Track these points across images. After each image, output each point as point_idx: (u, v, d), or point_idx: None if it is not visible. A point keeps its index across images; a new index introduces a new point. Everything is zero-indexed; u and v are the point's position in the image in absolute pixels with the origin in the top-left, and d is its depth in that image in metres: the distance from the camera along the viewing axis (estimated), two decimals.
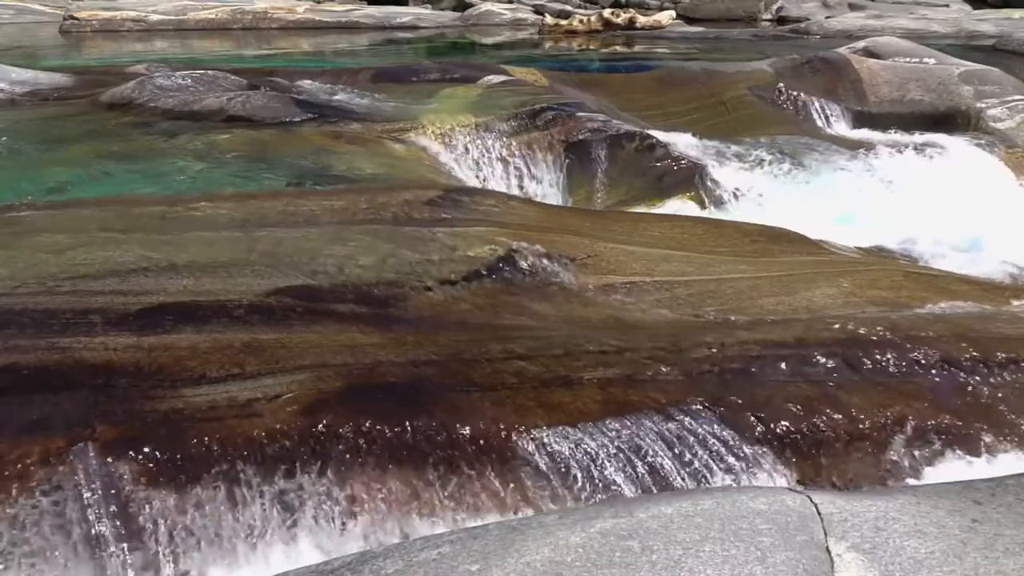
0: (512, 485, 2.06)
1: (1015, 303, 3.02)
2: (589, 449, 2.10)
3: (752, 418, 2.23)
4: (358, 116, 5.31)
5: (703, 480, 2.11)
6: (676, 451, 2.14)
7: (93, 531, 1.86)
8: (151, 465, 1.94)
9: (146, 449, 1.95)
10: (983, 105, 6.48)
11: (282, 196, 3.71)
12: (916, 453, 2.24)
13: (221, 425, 2.03)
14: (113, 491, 1.89)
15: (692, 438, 2.16)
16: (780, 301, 2.95)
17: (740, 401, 2.28)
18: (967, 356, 2.52)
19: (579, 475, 2.07)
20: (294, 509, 1.98)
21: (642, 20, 14.46)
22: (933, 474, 2.21)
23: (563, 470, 2.08)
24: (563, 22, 14.27)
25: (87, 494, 1.88)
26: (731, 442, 2.18)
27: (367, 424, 2.08)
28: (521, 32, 14.63)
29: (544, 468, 2.07)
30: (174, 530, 1.91)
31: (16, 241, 2.99)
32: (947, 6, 16.64)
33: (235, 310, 2.55)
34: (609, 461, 2.09)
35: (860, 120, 6.59)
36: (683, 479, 2.10)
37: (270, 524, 1.96)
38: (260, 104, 5.33)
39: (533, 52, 11.45)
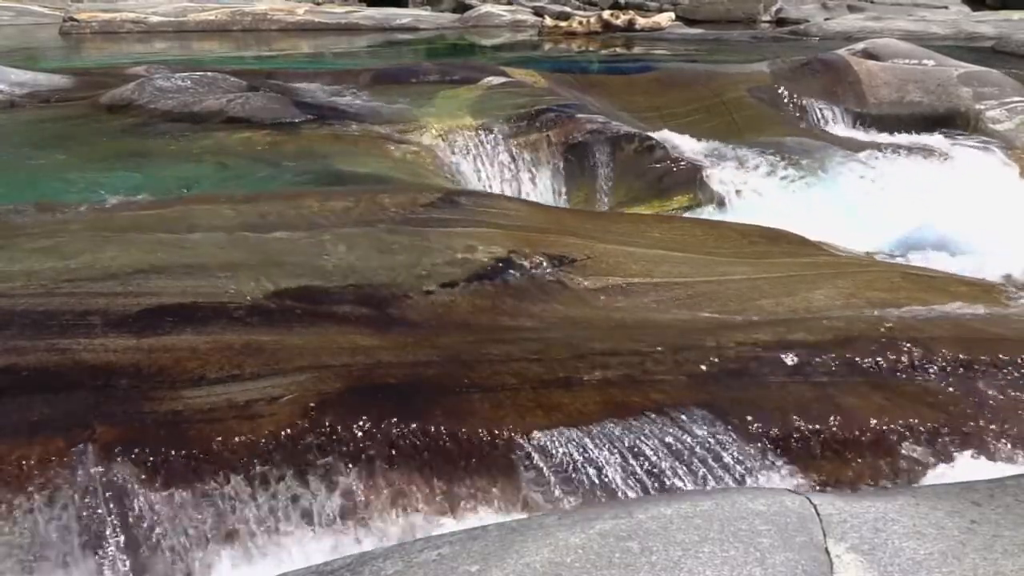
0: (512, 486, 2.06)
1: (1013, 304, 3.03)
2: (588, 450, 2.11)
3: (751, 419, 2.24)
4: (358, 117, 5.31)
5: (702, 481, 2.11)
6: (676, 452, 2.14)
7: (92, 532, 1.86)
8: (151, 466, 1.94)
9: (146, 450, 1.95)
10: (982, 107, 6.49)
11: (281, 198, 3.71)
12: (915, 454, 2.25)
13: (220, 426, 2.03)
14: (113, 492, 1.89)
15: (692, 439, 2.17)
16: (779, 302, 2.96)
17: (740, 402, 2.29)
18: (966, 357, 2.52)
19: (579, 476, 2.07)
20: (294, 510, 1.98)
21: (641, 22, 14.46)
22: (932, 475, 2.21)
23: (562, 471, 2.08)
24: (562, 24, 14.28)
25: (86, 495, 1.88)
26: (730, 443, 2.18)
27: (367, 425, 2.08)
28: (520, 34, 14.64)
29: (544, 469, 2.08)
30: (173, 531, 1.91)
31: (16, 243, 2.99)
32: (946, 8, 16.66)
33: (235, 311, 2.55)
34: (608, 462, 2.10)
35: (859, 122, 6.59)
36: (682, 480, 2.10)
37: (269, 525, 1.96)
38: (260, 105, 5.34)
39: (532, 54, 11.46)
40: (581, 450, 2.10)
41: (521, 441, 2.10)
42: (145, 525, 1.89)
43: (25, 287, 2.61)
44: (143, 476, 1.92)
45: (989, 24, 13.75)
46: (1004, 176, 5.70)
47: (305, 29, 14.59)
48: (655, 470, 2.11)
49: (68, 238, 3.03)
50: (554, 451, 2.10)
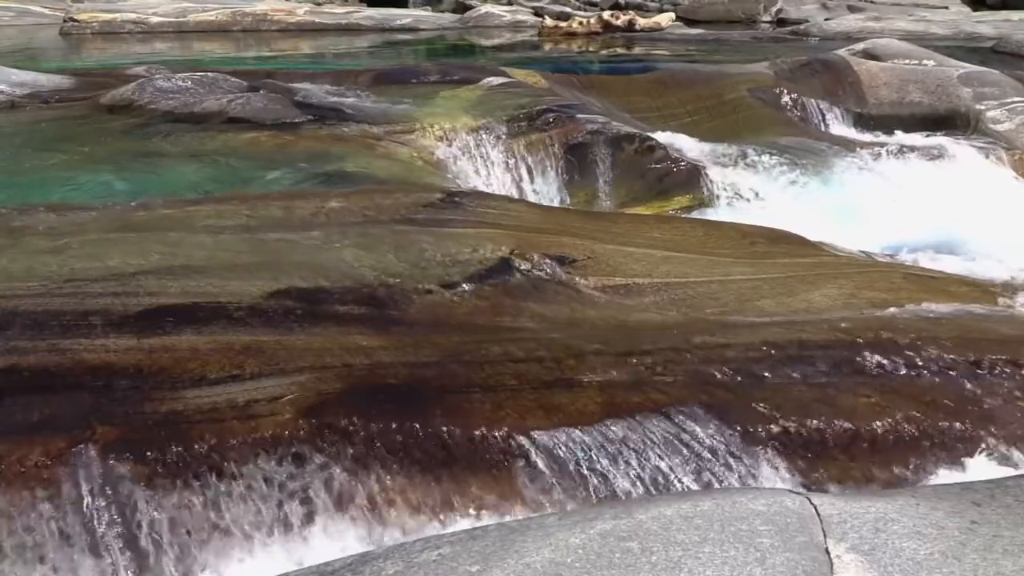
0: (512, 486, 2.06)
1: (1014, 304, 3.03)
2: (589, 450, 2.11)
3: (752, 419, 2.24)
4: (358, 118, 5.31)
5: (703, 481, 2.11)
6: (676, 452, 2.14)
7: (93, 532, 1.86)
8: (151, 466, 1.94)
9: (146, 450, 1.95)
10: (982, 107, 6.49)
11: (282, 198, 3.71)
12: (915, 454, 2.25)
13: (221, 427, 2.03)
14: (113, 492, 1.90)
15: (692, 439, 2.17)
16: (780, 303, 2.96)
17: (740, 403, 2.29)
18: (966, 357, 2.52)
19: (579, 476, 2.08)
20: (294, 510, 1.99)
21: (642, 22, 14.45)
22: (932, 475, 2.21)
23: (563, 471, 2.08)
24: (563, 24, 14.27)
25: (87, 495, 1.88)
26: (731, 443, 2.18)
27: (367, 426, 2.08)
28: (521, 34, 14.64)
29: (544, 469, 2.08)
30: (174, 531, 1.91)
31: (18, 243, 3.00)
32: (946, 8, 16.66)
33: (235, 312, 2.55)
34: (609, 462, 2.10)
35: (859, 122, 6.59)
36: (683, 480, 2.10)
37: (269, 525, 1.96)
38: (260, 106, 5.34)
39: (533, 54, 11.46)
40: (582, 450, 2.11)
41: (522, 441, 2.10)
42: (146, 525, 1.89)
43: (27, 287, 2.62)
44: (144, 476, 1.92)
45: (989, 24, 13.74)
46: (1004, 177, 5.71)
47: (305, 30, 14.58)
48: (655, 470, 2.11)
49: (70, 239, 3.03)
50: (555, 451, 2.10)
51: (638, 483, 2.09)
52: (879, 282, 3.17)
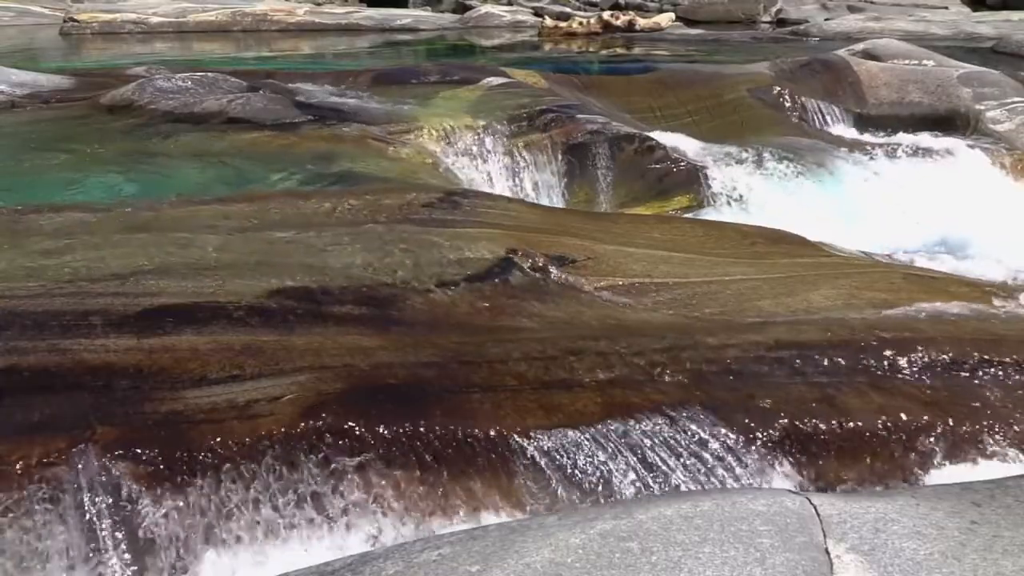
0: (512, 486, 2.06)
1: (1013, 304, 3.03)
2: (589, 450, 2.11)
3: (752, 420, 2.24)
4: (358, 118, 5.31)
5: (703, 481, 2.11)
6: (676, 453, 2.14)
7: (93, 532, 1.86)
8: (151, 467, 1.94)
9: (146, 451, 1.96)
10: (982, 107, 6.49)
11: (282, 198, 3.71)
12: (915, 454, 2.25)
13: (221, 427, 2.04)
14: (113, 492, 1.90)
15: (692, 440, 2.17)
16: (780, 303, 2.96)
17: (740, 403, 2.29)
18: (966, 357, 2.52)
19: (579, 476, 2.08)
20: (294, 510, 1.99)
21: (641, 22, 14.45)
22: (932, 476, 2.21)
23: (563, 471, 2.08)
24: (562, 24, 14.27)
25: (87, 496, 1.88)
26: (731, 443, 2.18)
27: (367, 426, 2.08)
28: (520, 34, 14.63)
29: (544, 469, 2.08)
30: (173, 531, 1.91)
31: (18, 243, 3.00)
32: (946, 8, 16.66)
33: (235, 312, 2.56)
34: (609, 462, 2.10)
35: (859, 122, 6.60)
36: (683, 480, 2.10)
37: (270, 525, 1.97)
38: (260, 106, 5.34)
39: (533, 54, 11.46)
40: (581, 450, 2.11)
41: (521, 441, 2.10)
42: (146, 525, 1.89)
43: (27, 287, 2.62)
44: (144, 476, 1.92)
45: (989, 24, 13.74)
46: (1004, 177, 5.71)
47: (305, 30, 14.58)
48: (655, 470, 2.11)
49: (69, 238, 3.03)
50: (554, 451, 2.10)
51: (638, 483, 2.09)
52: (879, 282, 3.17)
